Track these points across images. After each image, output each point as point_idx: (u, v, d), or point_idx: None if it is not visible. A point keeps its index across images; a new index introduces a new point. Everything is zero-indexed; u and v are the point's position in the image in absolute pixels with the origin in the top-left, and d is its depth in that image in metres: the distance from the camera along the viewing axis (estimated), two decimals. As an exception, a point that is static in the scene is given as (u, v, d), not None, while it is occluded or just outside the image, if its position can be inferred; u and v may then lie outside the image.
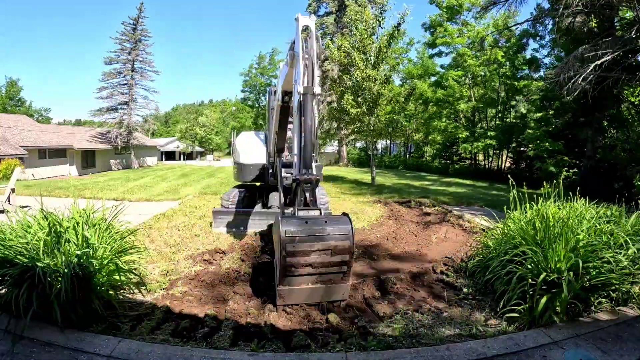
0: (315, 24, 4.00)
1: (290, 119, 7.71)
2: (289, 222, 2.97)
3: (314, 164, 3.67)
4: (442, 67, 28.76)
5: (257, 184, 8.11)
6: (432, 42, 27.57)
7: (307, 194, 3.37)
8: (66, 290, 3.01)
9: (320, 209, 3.38)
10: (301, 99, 3.41)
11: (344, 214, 3.33)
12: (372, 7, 25.70)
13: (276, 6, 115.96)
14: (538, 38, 22.57)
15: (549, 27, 15.67)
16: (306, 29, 3.73)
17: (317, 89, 3.52)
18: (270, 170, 7.26)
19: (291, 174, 7.48)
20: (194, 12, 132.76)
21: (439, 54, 28.45)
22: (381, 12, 14.85)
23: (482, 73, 24.74)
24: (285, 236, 2.84)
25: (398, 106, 15.61)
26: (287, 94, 5.08)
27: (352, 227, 3.18)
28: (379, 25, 14.78)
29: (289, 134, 6.40)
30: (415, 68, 29.11)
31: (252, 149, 7.81)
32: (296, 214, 3.25)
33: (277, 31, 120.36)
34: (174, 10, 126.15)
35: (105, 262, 3.48)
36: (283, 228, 2.84)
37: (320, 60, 31.38)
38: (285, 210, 3.80)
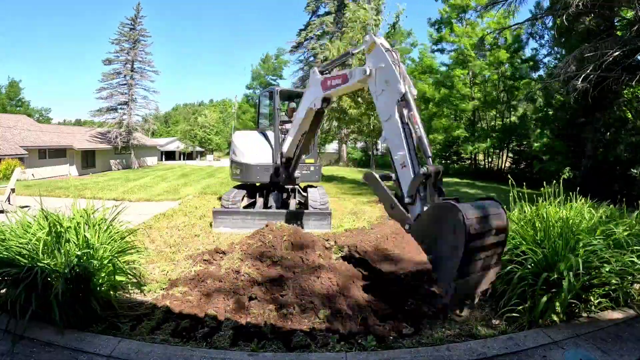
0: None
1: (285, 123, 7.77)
2: (465, 207, 2.91)
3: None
4: (444, 64, 28.77)
5: (257, 184, 8.11)
6: (437, 39, 27.56)
7: (439, 184, 3.39)
8: (66, 291, 3.01)
9: (457, 198, 3.39)
10: (407, 97, 3.61)
11: (492, 198, 3.34)
12: (370, 5, 25.72)
13: (276, 6, 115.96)
14: (538, 37, 22.61)
15: (549, 25, 15.68)
16: (381, 45, 4.01)
17: (415, 91, 3.80)
18: (285, 173, 7.28)
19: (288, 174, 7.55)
20: (194, 12, 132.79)
21: (442, 50, 28.47)
22: (377, 13, 14.87)
23: (487, 74, 24.74)
24: (467, 220, 2.76)
25: None
26: (326, 100, 5.42)
27: (504, 209, 3.19)
28: (376, 25, 14.80)
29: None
30: (416, 68, 29.06)
31: (258, 149, 7.79)
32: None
33: (277, 31, 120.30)
34: (174, 11, 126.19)
35: (105, 262, 3.48)
36: (462, 213, 2.77)
37: (320, 60, 31.48)
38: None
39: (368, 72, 4.12)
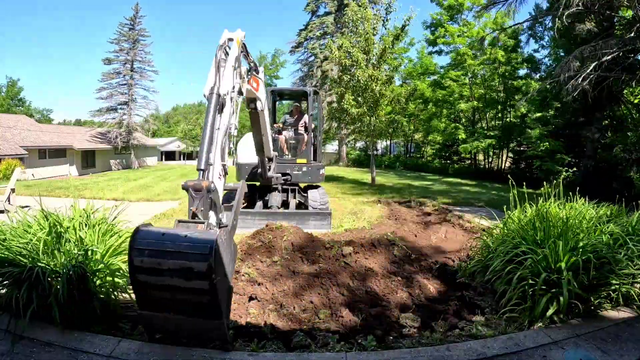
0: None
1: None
2: (141, 234, 2.60)
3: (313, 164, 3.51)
4: (441, 67, 28.76)
5: (257, 184, 8.12)
6: (433, 41, 27.56)
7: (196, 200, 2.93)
8: (66, 291, 3.01)
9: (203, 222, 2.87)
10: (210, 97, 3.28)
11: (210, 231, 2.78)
12: (376, 6, 25.70)
13: (276, 6, 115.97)
14: (538, 38, 22.62)
15: (549, 25, 15.69)
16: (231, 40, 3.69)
17: (223, 90, 3.41)
18: (259, 170, 7.23)
19: (282, 174, 7.54)
20: (193, 12, 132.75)
21: (439, 52, 28.48)
22: (386, 13, 14.79)
23: (482, 72, 24.74)
24: (134, 248, 2.52)
25: (399, 107, 15.61)
26: (250, 100, 5.03)
27: (214, 249, 2.49)
28: (383, 26, 14.79)
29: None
30: (415, 68, 29.06)
31: (250, 149, 7.87)
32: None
33: (277, 31, 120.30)
34: (174, 11, 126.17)
35: (105, 262, 3.48)
36: (136, 237, 2.52)
37: (320, 60, 31.46)
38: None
39: None
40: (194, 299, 2.57)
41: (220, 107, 3.30)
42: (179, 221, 2.80)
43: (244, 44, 3.93)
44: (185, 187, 2.83)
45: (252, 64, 4.35)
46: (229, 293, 2.86)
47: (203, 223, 2.77)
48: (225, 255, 2.66)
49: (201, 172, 2.95)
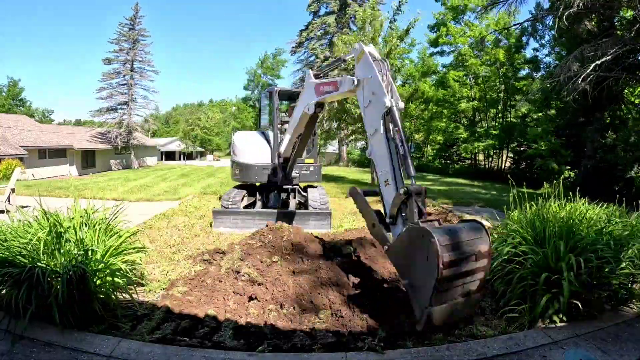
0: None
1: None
2: (439, 233, 2.79)
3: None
4: (443, 66, 28.77)
5: (257, 184, 8.10)
6: (435, 41, 27.56)
7: (420, 205, 3.19)
8: (66, 291, 3.01)
9: (439, 220, 3.32)
10: (392, 111, 3.49)
11: (476, 221, 3.21)
12: (383, 6, 25.69)
13: (275, 6, 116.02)
14: (538, 37, 22.60)
15: (549, 25, 15.69)
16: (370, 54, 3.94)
17: (402, 104, 3.70)
18: (282, 173, 7.30)
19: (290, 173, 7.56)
20: (193, 12, 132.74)
21: (441, 53, 28.49)
22: (394, 14, 14.83)
23: (484, 73, 24.74)
24: (440, 247, 2.65)
25: None
26: (320, 105, 5.44)
27: (488, 233, 3.02)
28: (389, 27, 14.83)
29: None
30: (416, 69, 29.04)
31: (257, 149, 7.79)
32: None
33: (276, 31, 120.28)
34: (174, 11, 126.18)
35: (105, 262, 3.48)
36: (436, 239, 2.66)
37: (321, 60, 31.46)
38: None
39: (356, 83, 4.03)
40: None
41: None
42: (422, 222, 3.13)
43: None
44: (408, 193, 3.17)
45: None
46: None
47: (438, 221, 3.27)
48: None
49: (412, 178, 3.30)
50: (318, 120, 8.11)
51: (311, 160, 8.15)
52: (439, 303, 2.74)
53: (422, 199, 3.23)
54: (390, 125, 3.50)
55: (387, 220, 3.37)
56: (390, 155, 3.48)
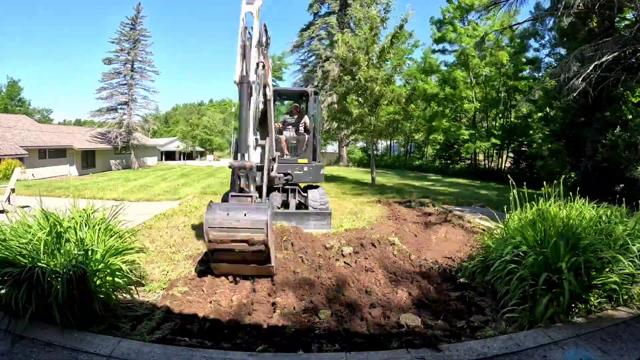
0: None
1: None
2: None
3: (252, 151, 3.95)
4: (446, 65, 28.74)
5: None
6: (439, 38, 27.55)
7: (241, 181, 3.66)
8: (66, 291, 3.01)
9: (251, 196, 3.69)
10: (241, 87, 3.64)
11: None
12: (378, 6, 25.70)
13: (275, 5, 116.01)
14: (538, 37, 22.62)
15: (549, 25, 15.69)
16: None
17: (252, 77, 3.75)
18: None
19: (283, 174, 7.55)
20: (193, 12, 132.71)
21: (443, 51, 28.48)
22: (385, 12, 14.90)
23: (486, 73, 24.75)
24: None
25: (399, 107, 15.61)
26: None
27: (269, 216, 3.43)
28: (383, 27, 14.83)
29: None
30: (418, 69, 29.00)
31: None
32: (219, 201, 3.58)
33: (277, 30, 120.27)
34: (174, 11, 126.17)
35: (105, 262, 3.48)
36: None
37: (322, 60, 31.44)
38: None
39: None
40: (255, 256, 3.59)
41: (250, 93, 3.64)
42: (232, 196, 3.60)
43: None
44: (231, 167, 3.54)
45: (268, 40, 4.45)
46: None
47: (251, 197, 3.62)
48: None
49: (243, 154, 3.56)
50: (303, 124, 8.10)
51: (305, 161, 8.10)
52: (214, 262, 3.70)
53: (245, 172, 3.68)
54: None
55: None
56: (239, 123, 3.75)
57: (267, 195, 8.01)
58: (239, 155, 3.64)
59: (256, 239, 3.37)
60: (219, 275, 4.03)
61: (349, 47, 14.27)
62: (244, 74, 3.67)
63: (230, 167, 3.57)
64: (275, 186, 7.83)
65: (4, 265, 3.15)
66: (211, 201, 3.38)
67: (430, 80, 27.95)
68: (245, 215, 3.36)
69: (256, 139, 3.87)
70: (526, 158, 23.69)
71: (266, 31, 4.27)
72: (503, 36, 22.60)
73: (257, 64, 3.80)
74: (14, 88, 54.39)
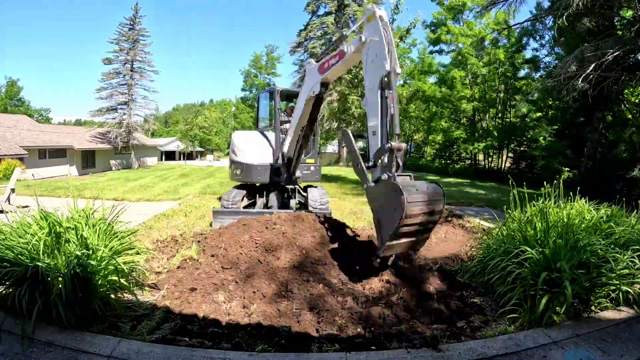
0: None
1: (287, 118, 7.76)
2: (408, 190, 3.43)
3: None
4: (443, 65, 28.75)
5: (258, 184, 8.09)
6: (435, 40, 27.57)
7: (398, 159, 3.79)
8: (66, 291, 3.01)
9: (410, 175, 3.99)
10: (390, 76, 3.88)
11: (437, 184, 3.90)
12: (381, 6, 25.71)
13: (274, 5, 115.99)
14: (538, 37, 22.61)
15: (549, 25, 15.68)
16: (380, 18, 4.17)
17: (399, 69, 4.08)
18: (286, 173, 7.28)
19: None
20: (194, 12, 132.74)
21: (440, 52, 28.49)
22: (392, 14, 14.82)
23: (484, 72, 24.75)
24: (407, 204, 3.34)
25: (399, 107, 15.63)
26: (325, 85, 5.61)
27: (444, 195, 3.78)
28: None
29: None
30: (416, 68, 29.03)
31: (258, 149, 7.75)
32: (395, 179, 3.67)
33: (277, 30, 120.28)
34: (174, 12, 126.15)
35: (104, 262, 3.47)
36: (404, 197, 3.34)
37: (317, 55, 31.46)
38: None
39: (363, 40, 4.29)
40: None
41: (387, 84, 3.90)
42: (398, 175, 3.77)
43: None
44: (390, 149, 3.71)
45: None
46: None
47: (410, 175, 4.00)
48: None
49: (396, 136, 3.84)
50: (317, 121, 8.12)
51: (312, 161, 8.15)
52: (395, 239, 3.59)
53: (401, 154, 3.85)
54: (386, 90, 3.92)
55: (370, 163, 3.99)
56: (381, 111, 3.94)
57: (267, 195, 8.06)
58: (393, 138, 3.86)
59: (436, 210, 3.68)
60: (384, 257, 4.02)
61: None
62: (393, 65, 3.95)
63: (390, 148, 3.70)
64: (289, 186, 7.84)
65: (4, 265, 3.15)
66: (395, 183, 3.54)
67: (428, 82, 27.97)
68: (427, 189, 3.66)
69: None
70: (526, 158, 23.70)
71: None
72: (501, 36, 22.60)
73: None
74: (13, 88, 54.35)
